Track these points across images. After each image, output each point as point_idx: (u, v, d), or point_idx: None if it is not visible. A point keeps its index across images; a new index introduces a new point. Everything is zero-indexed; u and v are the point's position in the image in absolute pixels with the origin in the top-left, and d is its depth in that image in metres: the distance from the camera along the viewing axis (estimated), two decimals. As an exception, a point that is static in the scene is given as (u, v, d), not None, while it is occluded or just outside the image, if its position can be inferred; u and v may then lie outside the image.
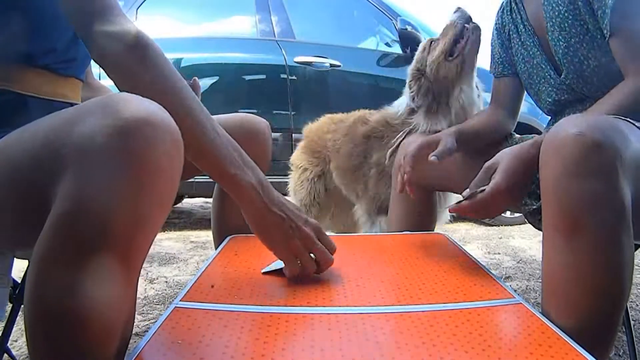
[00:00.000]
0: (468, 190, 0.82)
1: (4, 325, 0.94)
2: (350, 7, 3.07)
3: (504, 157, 0.81)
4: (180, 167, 0.52)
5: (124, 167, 0.46)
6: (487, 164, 0.83)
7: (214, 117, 1.05)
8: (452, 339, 0.55)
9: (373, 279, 0.76)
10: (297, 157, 1.83)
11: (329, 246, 0.75)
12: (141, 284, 1.69)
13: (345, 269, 0.80)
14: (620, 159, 0.61)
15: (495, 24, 1.16)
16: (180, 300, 0.65)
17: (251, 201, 0.71)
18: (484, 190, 0.80)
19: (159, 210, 0.50)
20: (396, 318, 0.61)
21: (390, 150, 1.38)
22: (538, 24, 1.02)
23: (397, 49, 2.84)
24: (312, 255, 0.73)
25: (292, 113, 2.65)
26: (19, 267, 1.04)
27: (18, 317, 0.94)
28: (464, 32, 1.25)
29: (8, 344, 0.95)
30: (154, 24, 2.71)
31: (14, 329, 0.94)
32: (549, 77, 1.01)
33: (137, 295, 1.58)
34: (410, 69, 1.39)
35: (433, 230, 1.21)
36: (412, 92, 1.35)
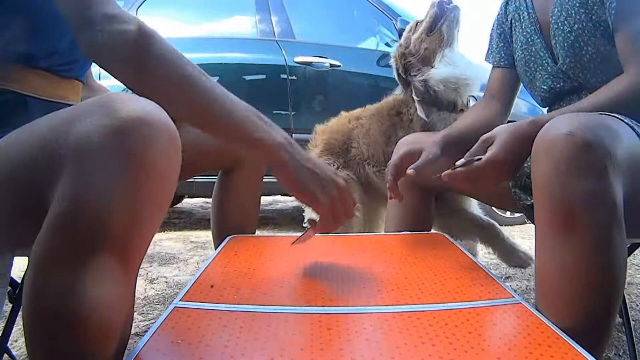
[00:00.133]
0: (463, 159, 0.81)
1: (4, 325, 0.94)
2: (350, 7, 3.07)
3: (502, 131, 0.81)
4: (177, 166, 0.52)
5: (121, 166, 0.46)
6: (483, 136, 0.83)
7: None
8: (452, 338, 0.55)
9: (373, 278, 0.76)
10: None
11: (354, 200, 0.76)
12: (141, 284, 1.69)
13: (346, 268, 0.80)
14: (611, 157, 0.62)
15: (498, 14, 1.17)
16: (180, 300, 0.65)
17: (282, 161, 0.69)
18: (480, 159, 0.79)
19: (156, 210, 0.50)
20: (396, 318, 0.61)
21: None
22: (542, 12, 1.02)
23: (397, 49, 2.84)
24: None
25: (292, 113, 2.65)
26: (19, 267, 1.04)
27: (18, 317, 0.94)
28: (444, 10, 1.40)
29: (8, 344, 0.95)
30: (154, 24, 2.71)
31: (14, 329, 0.94)
32: (545, 64, 1.01)
33: (137, 295, 1.58)
34: (394, 50, 1.50)
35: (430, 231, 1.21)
36: (397, 70, 1.45)
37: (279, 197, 4.14)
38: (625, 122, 0.73)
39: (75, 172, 0.46)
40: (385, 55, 2.85)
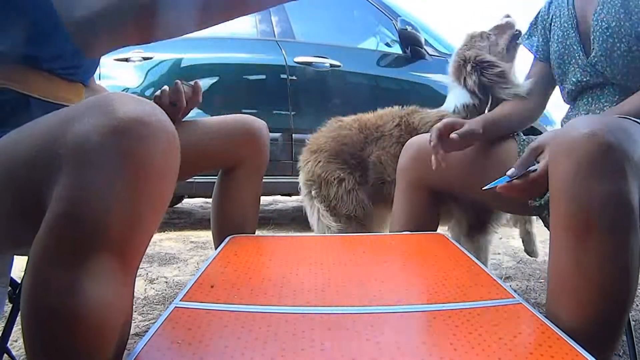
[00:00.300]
0: (514, 169, 0.83)
1: (4, 325, 0.94)
2: (350, 7, 3.07)
3: (551, 139, 0.81)
4: (176, 166, 0.51)
5: (119, 167, 0.45)
6: (532, 145, 0.85)
7: (213, 117, 1.05)
8: (452, 339, 0.55)
9: (373, 279, 0.76)
10: (323, 170, 1.46)
11: None
12: (141, 284, 1.69)
13: (346, 269, 0.80)
14: (629, 160, 0.62)
15: (541, 11, 1.21)
16: (180, 300, 0.65)
17: None
18: (536, 170, 0.81)
19: (154, 210, 0.49)
20: (396, 318, 0.61)
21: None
22: (581, 9, 1.06)
23: (397, 49, 2.84)
24: None
25: (292, 113, 2.65)
26: (19, 267, 1.04)
27: (18, 317, 0.94)
28: (517, 33, 1.42)
29: (8, 344, 0.95)
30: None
31: (14, 329, 0.94)
32: (577, 57, 1.05)
33: (137, 295, 1.58)
34: (455, 60, 1.41)
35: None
36: (472, 83, 1.34)
37: (279, 197, 4.14)
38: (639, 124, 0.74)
39: (72, 173, 0.45)
40: (386, 55, 2.86)
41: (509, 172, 0.84)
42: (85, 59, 0.81)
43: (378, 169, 1.43)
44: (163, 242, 2.41)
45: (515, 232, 2.67)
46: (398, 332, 0.57)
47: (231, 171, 1.07)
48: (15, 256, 0.88)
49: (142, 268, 1.91)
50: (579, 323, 0.63)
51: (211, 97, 2.44)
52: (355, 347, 0.53)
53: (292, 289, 0.71)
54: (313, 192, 1.49)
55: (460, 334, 0.56)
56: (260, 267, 0.81)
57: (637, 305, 1.45)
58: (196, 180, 2.34)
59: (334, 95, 2.73)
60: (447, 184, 1.15)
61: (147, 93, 2.52)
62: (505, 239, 2.52)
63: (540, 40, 1.19)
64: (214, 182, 1.12)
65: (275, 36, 2.75)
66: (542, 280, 1.76)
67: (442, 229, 1.34)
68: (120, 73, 2.54)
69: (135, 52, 2.53)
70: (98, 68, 0.97)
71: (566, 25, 1.08)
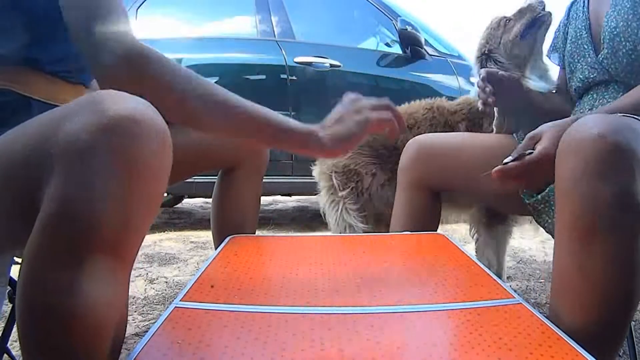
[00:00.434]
0: (510, 157, 0.82)
1: (4, 325, 0.94)
2: (350, 7, 3.07)
3: (548, 128, 0.82)
4: (168, 164, 0.51)
5: (109, 166, 0.45)
6: (530, 134, 0.85)
7: None
8: (452, 339, 0.55)
9: (373, 279, 0.76)
10: (353, 161, 1.38)
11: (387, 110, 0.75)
12: (141, 284, 1.69)
13: (346, 269, 0.80)
14: (637, 160, 0.61)
15: (561, 22, 1.23)
16: (180, 300, 0.65)
17: (316, 141, 0.69)
18: (532, 153, 0.80)
19: (147, 209, 0.49)
20: (396, 318, 0.61)
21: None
22: (595, 11, 1.09)
23: (397, 49, 2.84)
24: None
25: (292, 113, 2.65)
26: (19, 267, 1.04)
27: (18, 317, 0.93)
28: (540, 15, 1.30)
29: (8, 344, 0.95)
30: (154, 24, 2.72)
31: (14, 329, 0.94)
32: (587, 55, 1.07)
33: (137, 296, 1.58)
34: (477, 49, 1.36)
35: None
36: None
37: (279, 197, 4.14)
38: None
39: (63, 172, 0.45)
40: (386, 55, 2.86)
41: (505, 160, 0.82)
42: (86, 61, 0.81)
43: None
44: (163, 242, 2.41)
45: (515, 232, 2.67)
46: (398, 332, 0.57)
47: (231, 171, 1.07)
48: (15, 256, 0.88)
49: (142, 268, 1.91)
50: (582, 325, 0.63)
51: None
52: (355, 347, 0.53)
53: (292, 289, 0.71)
54: (337, 185, 1.39)
55: (460, 334, 0.56)
56: (261, 267, 0.81)
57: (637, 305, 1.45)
58: (196, 180, 2.33)
59: (334, 95, 2.70)
60: (447, 183, 1.15)
61: (147, 93, 2.52)
62: (505, 239, 2.51)
63: (562, 50, 1.21)
64: (214, 182, 1.12)
65: (275, 36, 2.75)
66: (542, 280, 1.76)
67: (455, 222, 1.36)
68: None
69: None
70: None
71: (580, 26, 1.11)
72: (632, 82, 0.98)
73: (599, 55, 1.04)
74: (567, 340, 0.55)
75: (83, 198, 0.44)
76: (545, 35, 1.32)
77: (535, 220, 1.06)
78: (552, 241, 0.73)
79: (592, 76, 1.06)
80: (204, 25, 3.00)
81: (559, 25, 1.24)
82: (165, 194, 3.35)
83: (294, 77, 2.65)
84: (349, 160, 1.39)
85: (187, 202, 3.92)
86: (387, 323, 0.60)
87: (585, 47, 1.08)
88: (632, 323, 1.00)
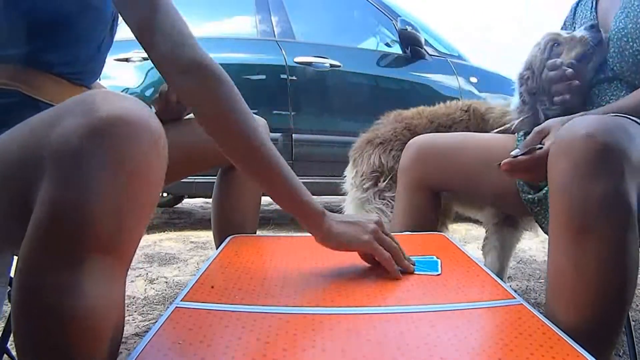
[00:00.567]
0: (517, 150, 0.83)
1: (4, 325, 0.94)
2: (350, 7, 3.08)
3: (555, 123, 0.84)
4: (161, 165, 0.50)
5: (100, 168, 0.44)
6: (537, 128, 0.86)
7: None
8: (453, 339, 0.55)
9: (374, 279, 0.76)
10: (397, 161, 1.31)
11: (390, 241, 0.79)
12: (141, 284, 1.69)
13: (346, 269, 0.80)
14: (627, 160, 0.62)
15: (567, 17, 1.23)
16: (180, 301, 0.65)
17: (319, 225, 0.74)
18: (542, 147, 0.80)
19: (140, 210, 0.48)
20: (397, 318, 0.61)
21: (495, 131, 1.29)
22: (603, 12, 1.10)
23: (397, 49, 2.84)
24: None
25: (292, 113, 2.65)
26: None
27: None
28: (589, 53, 1.14)
29: (8, 344, 0.95)
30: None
31: (14, 329, 0.94)
32: None
33: (137, 296, 1.58)
34: (523, 66, 1.24)
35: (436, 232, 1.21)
36: (521, 91, 1.21)
37: (278, 197, 4.13)
38: (639, 124, 0.74)
39: (55, 175, 0.44)
40: (386, 55, 2.86)
41: (512, 152, 0.83)
42: (94, 64, 0.83)
43: None
44: (163, 242, 2.41)
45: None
46: (399, 332, 0.57)
47: (231, 171, 1.07)
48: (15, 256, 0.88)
49: (142, 268, 1.91)
50: (578, 323, 0.64)
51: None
52: (356, 348, 0.53)
53: (293, 289, 0.71)
54: (382, 185, 1.40)
55: (460, 334, 0.56)
56: (261, 267, 0.81)
57: (637, 305, 1.45)
58: (196, 180, 2.34)
59: (334, 95, 2.74)
60: (447, 184, 1.16)
61: (147, 93, 2.52)
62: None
63: None
64: (214, 182, 1.12)
65: (275, 36, 2.75)
66: (542, 281, 1.76)
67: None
68: (121, 73, 2.54)
69: (135, 52, 2.53)
70: None
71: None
72: (637, 83, 1.00)
73: (605, 55, 1.05)
74: (567, 341, 0.55)
75: (74, 201, 0.44)
76: (592, 70, 1.16)
77: (535, 219, 1.06)
78: (552, 241, 0.74)
79: (596, 74, 1.07)
80: (204, 25, 2.99)
81: (565, 23, 1.24)
82: (165, 194, 3.36)
83: (294, 77, 2.65)
84: (394, 160, 1.42)
85: (187, 202, 3.92)
86: (387, 323, 0.60)
87: None
88: (632, 323, 1.00)
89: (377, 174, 1.43)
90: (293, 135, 2.60)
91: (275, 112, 2.65)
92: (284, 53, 2.66)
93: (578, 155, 0.63)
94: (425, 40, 2.82)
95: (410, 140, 1.20)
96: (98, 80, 1.11)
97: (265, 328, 0.57)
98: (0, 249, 0.70)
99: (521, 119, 1.19)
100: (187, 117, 1.04)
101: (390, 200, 1.38)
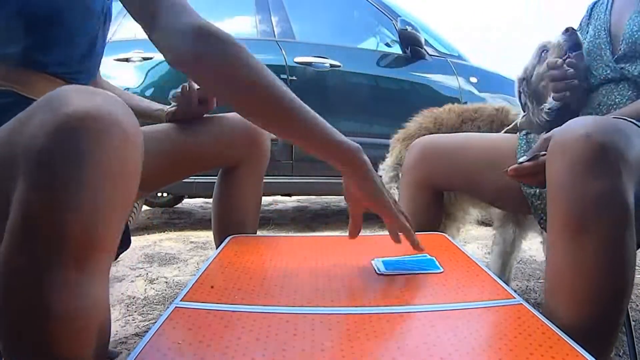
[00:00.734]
0: (525, 156, 0.85)
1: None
2: (350, 7, 3.07)
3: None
4: (135, 163, 0.49)
5: (68, 166, 0.43)
6: (544, 135, 0.86)
7: (214, 116, 1.05)
8: (453, 339, 0.55)
9: (373, 279, 0.76)
10: None
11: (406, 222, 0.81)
12: (141, 284, 1.69)
13: (346, 269, 0.80)
14: (624, 159, 0.63)
15: (584, 17, 1.24)
16: (180, 300, 0.65)
17: (361, 164, 0.73)
18: (545, 154, 0.81)
19: (114, 208, 0.47)
20: (397, 318, 0.61)
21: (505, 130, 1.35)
22: (617, 14, 1.11)
23: (397, 49, 2.84)
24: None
25: (292, 113, 2.65)
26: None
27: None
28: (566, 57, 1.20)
29: None
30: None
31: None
32: (603, 54, 1.09)
33: (137, 296, 1.58)
34: (522, 71, 1.34)
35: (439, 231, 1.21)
36: (520, 93, 1.29)
37: (279, 197, 4.14)
38: (638, 126, 0.75)
39: (25, 175, 0.44)
40: (386, 55, 2.86)
41: (519, 159, 0.86)
42: (88, 63, 0.82)
43: None
44: (163, 242, 2.41)
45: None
46: (398, 332, 0.57)
47: (232, 171, 1.07)
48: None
49: (142, 268, 1.91)
50: (576, 320, 0.64)
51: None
52: (356, 348, 0.53)
53: (292, 289, 0.71)
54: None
55: (461, 334, 0.56)
56: (261, 267, 0.81)
57: (637, 305, 1.45)
58: (196, 180, 2.34)
59: (334, 95, 2.73)
60: (450, 183, 1.16)
61: (147, 93, 2.52)
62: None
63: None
64: (214, 182, 1.12)
65: (275, 36, 2.75)
66: (542, 281, 1.76)
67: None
68: (121, 73, 2.54)
69: (135, 52, 2.53)
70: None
71: (599, 27, 1.13)
72: None
73: (615, 56, 1.06)
74: (567, 341, 0.55)
75: (44, 200, 0.43)
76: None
77: (533, 215, 1.07)
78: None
79: (605, 74, 1.08)
80: (204, 25, 2.99)
81: (581, 23, 1.25)
82: (165, 194, 3.36)
83: (294, 77, 2.65)
84: None
85: (187, 202, 3.92)
86: (387, 323, 0.60)
87: (603, 46, 1.10)
88: (632, 323, 1.00)
89: (399, 166, 1.52)
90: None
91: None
92: (284, 53, 2.66)
93: (575, 154, 0.64)
94: (425, 40, 2.82)
95: (415, 141, 1.21)
96: (98, 79, 1.11)
97: (265, 328, 0.57)
98: None
99: (522, 118, 1.23)
100: (190, 118, 1.04)
101: None
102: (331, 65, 2.69)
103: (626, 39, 1.04)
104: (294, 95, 0.68)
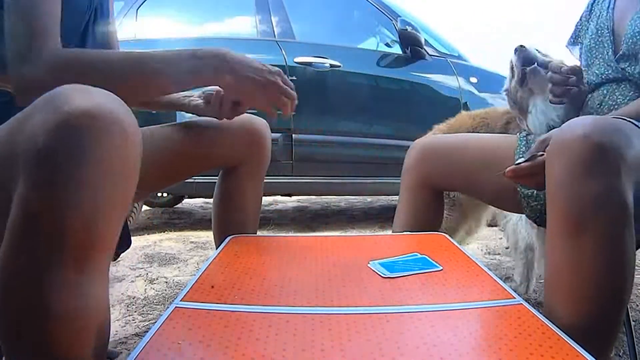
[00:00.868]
0: (523, 158, 0.85)
1: None
2: (350, 7, 3.07)
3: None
4: (135, 161, 0.49)
5: (68, 165, 0.43)
6: (541, 137, 0.87)
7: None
8: (453, 339, 0.55)
9: (373, 279, 0.76)
10: None
11: (290, 85, 0.86)
12: (141, 284, 1.69)
13: (346, 269, 0.80)
14: (623, 159, 0.63)
15: (583, 13, 1.24)
16: (180, 301, 0.65)
17: (225, 78, 0.83)
18: (543, 154, 0.82)
19: (113, 206, 0.47)
20: (396, 318, 0.61)
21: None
22: (620, 12, 1.10)
23: (397, 50, 2.84)
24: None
25: (292, 113, 2.65)
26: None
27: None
28: (524, 75, 1.24)
29: None
30: (154, 25, 2.71)
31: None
32: (605, 53, 1.10)
33: (137, 296, 1.58)
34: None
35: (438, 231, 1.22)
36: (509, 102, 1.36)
37: (279, 197, 4.14)
38: (638, 126, 0.75)
39: (26, 173, 0.44)
40: (386, 55, 2.86)
41: (519, 160, 0.86)
42: None
43: None
44: (163, 242, 2.41)
45: (515, 232, 2.66)
46: (398, 332, 0.57)
47: (232, 171, 1.07)
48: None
49: (142, 268, 1.91)
50: (576, 319, 0.65)
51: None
52: (355, 348, 0.53)
53: (292, 289, 0.71)
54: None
55: (460, 334, 0.56)
56: (261, 267, 0.81)
57: (637, 305, 1.45)
58: (196, 180, 2.34)
59: (334, 95, 2.73)
60: (450, 183, 1.17)
61: (147, 93, 2.52)
62: (505, 239, 2.51)
63: (579, 30, 1.23)
64: (214, 182, 1.12)
65: (275, 36, 2.75)
66: (542, 281, 1.76)
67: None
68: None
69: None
70: None
71: (602, 25, 1.13)
72: None
73: (617, 55, 1.06)
74: (567, 341, 0.55)
75: (46, 200, 0.43)
76: (541, 83, 1.23)
77: (528, 216, 1.07)
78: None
79: (606, 72, 1.08)
80: (204, 25, 2.99)
81: (581, 19, 1.25)
82: (165, 194, 3.36)
83: (294, 77, 2.65)
84: None
85: (187, 202, 3.92)
86: (387, 323, 0.60)
87: (605, 45, 1.10)
88: (632, 323, 1.00)
89: None
90: (293, 135, 2.60)
91: (275, 112, 2.65)
92: (284, 53, 2.66)
93: (574, 154, 0.64)
94: (425, 40, 2.82)
95: (415, 141, 1.22)
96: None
97: (265, 328, 0.57)
98: None
99: (518, 119, 1.26)
100: (190, 119, 1.04)
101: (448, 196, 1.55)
102: (331, 65, 2.69)
103: (627, 39, 1.04)
104: (121, 54, 0.72)
